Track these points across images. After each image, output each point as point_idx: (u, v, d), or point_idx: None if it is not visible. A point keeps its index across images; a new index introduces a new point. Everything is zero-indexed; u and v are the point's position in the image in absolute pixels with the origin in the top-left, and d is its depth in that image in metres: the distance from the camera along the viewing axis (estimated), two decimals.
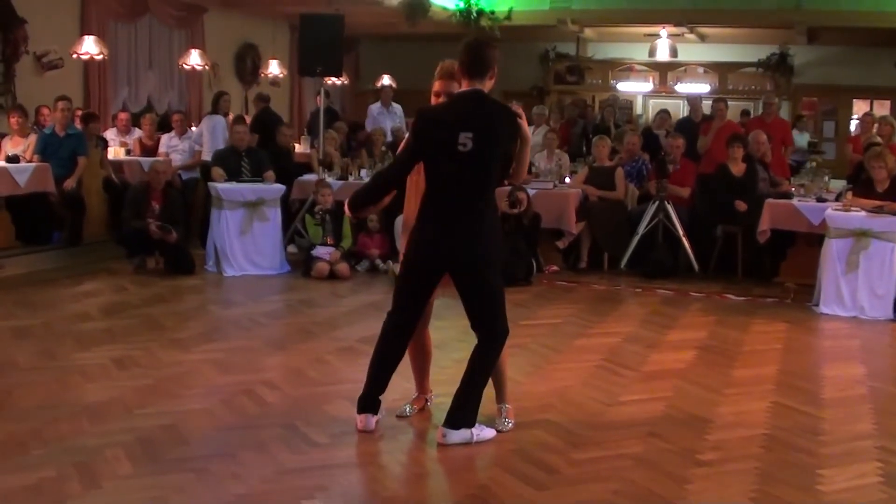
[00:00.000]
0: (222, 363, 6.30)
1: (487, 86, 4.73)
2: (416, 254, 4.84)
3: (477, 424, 4.88)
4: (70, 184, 10.30)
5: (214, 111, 12.57)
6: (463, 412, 4.81)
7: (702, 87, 17.64)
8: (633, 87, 19.06)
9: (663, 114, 14.15)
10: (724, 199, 9.80)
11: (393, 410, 5.24)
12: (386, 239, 10.06)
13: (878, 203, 8.53)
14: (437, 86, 5.02)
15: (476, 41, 4.81)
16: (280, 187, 10.08)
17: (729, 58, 18.30)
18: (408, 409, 5.28)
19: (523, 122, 4.79)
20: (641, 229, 9.97)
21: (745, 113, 15.90)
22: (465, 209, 4.70)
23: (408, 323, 4.93)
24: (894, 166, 8.74)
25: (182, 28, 15.20)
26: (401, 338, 4.97)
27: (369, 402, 4.99)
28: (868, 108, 12.03)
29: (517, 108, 4.84)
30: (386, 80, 17.59)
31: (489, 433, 4.91)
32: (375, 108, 14.86)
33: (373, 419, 4.99)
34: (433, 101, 5.02)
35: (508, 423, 5.09)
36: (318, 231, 9.74)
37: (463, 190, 4.69)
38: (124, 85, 14.25)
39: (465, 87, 4.74)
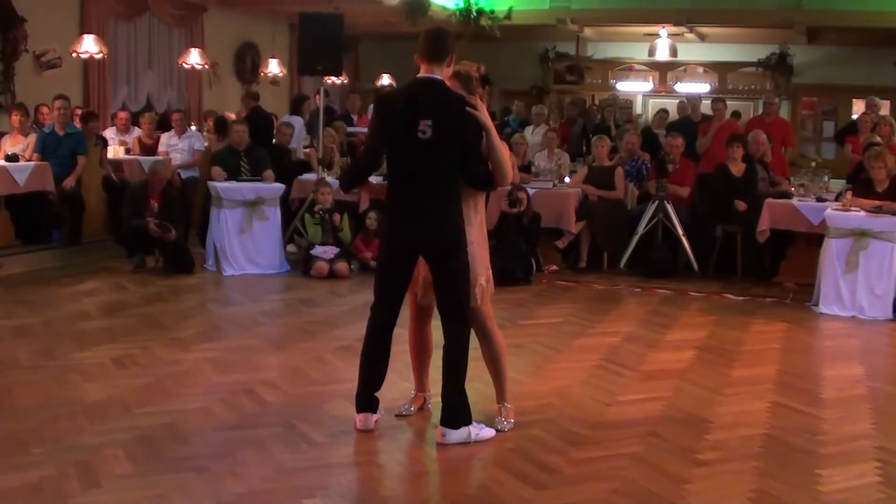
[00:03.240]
0: (221, 362, 6.30)
1: (445, 73, 4.81)
2: (386, 241, 4.93)
3: (476, 423, 4.88)
4: (70, 182, 10.30)
5: (295, 112, 13.18)
6: (455, 409, 4.82)
7: (701, 87, 17.63)
8: (633, 87, 19.06)
9: (663, 113, 14.15)
10: (723, 198, 9.80)
11: (392, 409, 5.25)
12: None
13: (877, 203, 8.53)
14: (450, 85, 5.02)
15: (436, 28, 4.96)
16: (279, 186, 10.08)
17: (729, 57, 18.30)
18: (407, 408, 5.28)
19: (481, 114, 4.74)
20: (641, 229, 9.96)
21: (735, 114, 15.86)
22: (429, 196, 4.74)
23: (389, 315, 4.94)
24: (894, 166, 8.75)
25: (181, 27, 15.20)
26: (384, 331, 4.96)
27: (365, 400, 4.99)
28: (867, 107, 12.09)
29: (476, 99, 4.81)
30: (385, 79, 17.59)
31: (488, 433, 4.91)
32: (446, 76, 14.79)
33: (372, 418, 4.99)
34: None
35: (509, 422, 5.09)
36: (318, 230, 9.73)
37: (425, 177, 4.73)
38: (124, 84, 14.26)
39: (423, 72, 4.79)
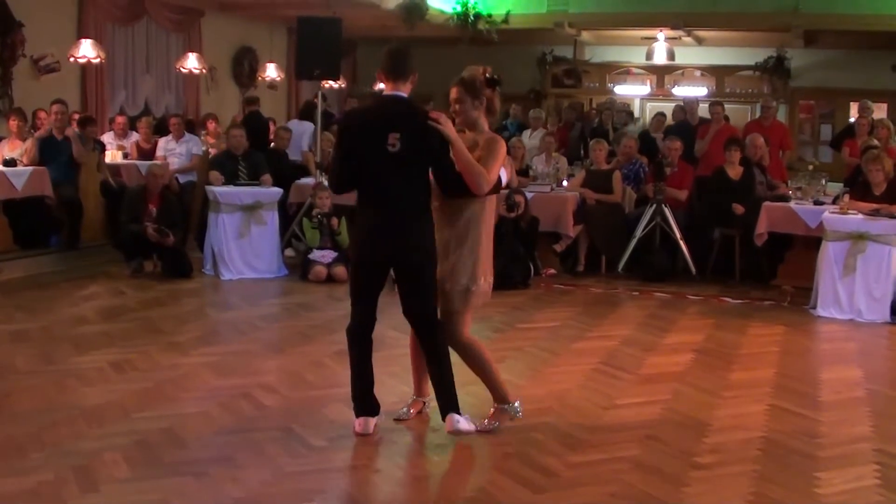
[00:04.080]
0: (220, 366, 6.30)
1: (408, 89, 4.91)
2: (359, 251, 4.96)
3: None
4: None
5: (301, 117, 13.36)
6: (452, 396, 4.91)
7: (699, 91, 17.64)
8: (631, 91, 19.06)
9: (660, 116, 14.16)
10: (721, 202, 9.81)
11: (391, 413, 5.25)
12: None
13: (875, 206, 8.54)
14: (453, 93, 5.04)
15: (398, 47, 5.02)
16: (277, 191, 10.08)
17: (726, 61, 18.29)
18: (405, 412, 5.28)
19: (444, 127, 4.74)
20: (639, 232, 9.97)
21: (724, 118, 15.88)
22: (400, 208, 4.78)
23: (365, 318, 4.98)
24: (891, 169, 8.77)
25: (179, 31, 15.20)
26: (365, 333, 5.00)
27: (363, 403, 5.01)
28: (860, 111, 12.17)
29: (437, 113, 4.85)
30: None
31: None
32: (408, 92, 14.80)
33: (372, 421, 4.99)
34: (451, 106, 5.06)
35: (493, 424, 5.12)
36: (316, 234, 9.73)
37: (396, 189, 4.77)
38: (121, 88, 14.25)
39: (388, 90, 4.89)
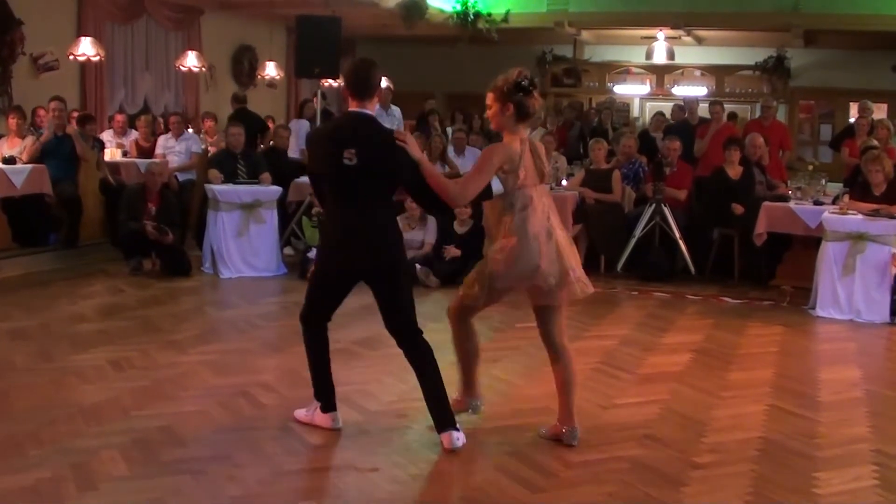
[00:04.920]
0: (218, 365, 6.30)
1: (374, 105, 4.94)
2: (326, 263, 4.98)
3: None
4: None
5: (300, 116, 13.48)
6: (450, 413, 4.87)
7: (699, 90, 17.65)
8: (630, 90, 19.08)
9: (659, 116, 14.16)
10: (720, 202, 9.81)
11: (390, 413, 5.25)
12: None
13: (874, 206, 8.54)
14: (489, 98, 5.01)
15: (361, 64, 5.01)
16: (276, 189, 10.07)
17: (726, 61, 18.30)
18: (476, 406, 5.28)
19: (410, 147, 4.77)
20: (638, 232, 9.97)
21: (731, 116, 15.90)
22: (362, 219, 4.80)
23: (321, 323, 5.10)
24: (891, 170, 8.77)
25: (179, 30, 15.20)
26: (321, 333, 5.12)
27: (332, 398, 5.10)
28: (860, 111, 12.18)
29: (401, 133, 4.92)
30: (383, 82, 17.55)
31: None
32: (375, 109, 14.84)
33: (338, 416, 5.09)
34: (488, 112, 5.03)
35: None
36: (315, 233, 9.73)
37: (356, 201, 4.78)
38: (121, 86, 14.27)
39: (353, 107, 4.88)
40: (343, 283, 4.97)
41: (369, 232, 4.81)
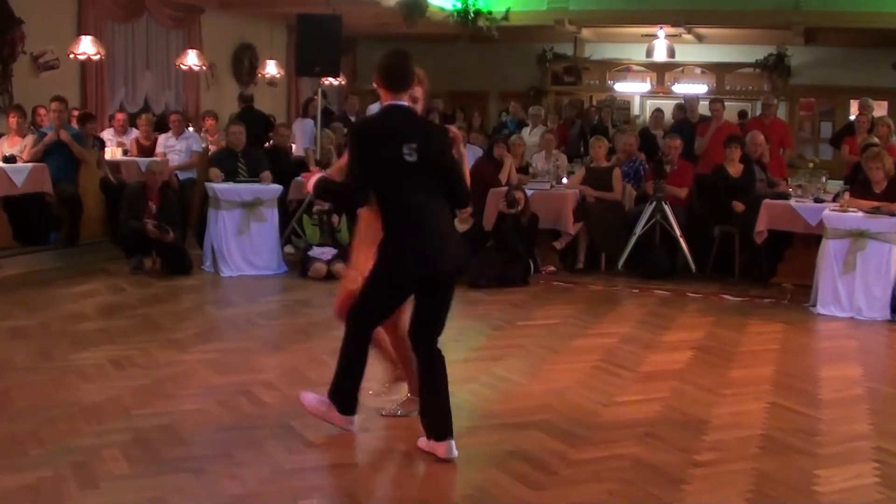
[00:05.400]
0: (219, 363, 6.30)
1: (407, 98, 4.73)
2: (399, 264, 4.62)
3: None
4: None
5: (304, 115, 13.55)
6: (450, 422, 4.75)
7: (699, 88, 17.63)
8: (631, 88, 19.06)
9: (658, 113, 14.16)
10: (721, 199, 9.80)
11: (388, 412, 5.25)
12: None
13: (875, 204, 8.54)
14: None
15: (397, 54, 4.76)
16: (277, 187, 10.07)
17: (726, 58, 18.29)
18: (399, 411, 5.24)
19: (457, 143, 4.78)
20: (638, 230, 9.96)
21: (742, 114, 15.90)
22: (437, 216, 4.64)
23: (371, 330, 4.85)
24: (891, 167, 8.76)
25: (179, 28, 15.20)
26: (368, 346, 4.85)
27: (356, 402, 4.90)
28: (860, 108, 12.16)
29: (452, 129, 4.88)
30: None
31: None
32: (375, 108, 14.81)
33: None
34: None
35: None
36: (316, 231, 9.73)
37: (425, 198, 4.62)
38: (121, 85, 14.27)
39: (387, 100, 4.68)
40: (416, 284, 4.68)
41: (446, 230, 4.68)
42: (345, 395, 4.83)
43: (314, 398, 4.93)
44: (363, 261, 4.88)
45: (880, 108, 15.49)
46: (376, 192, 4.64)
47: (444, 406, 4.69)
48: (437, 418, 4.69)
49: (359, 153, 4.62)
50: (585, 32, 17.79)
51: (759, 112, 12.96)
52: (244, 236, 9.70)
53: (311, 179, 4.61)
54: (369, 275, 4.73)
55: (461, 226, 9.66)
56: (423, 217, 4.60)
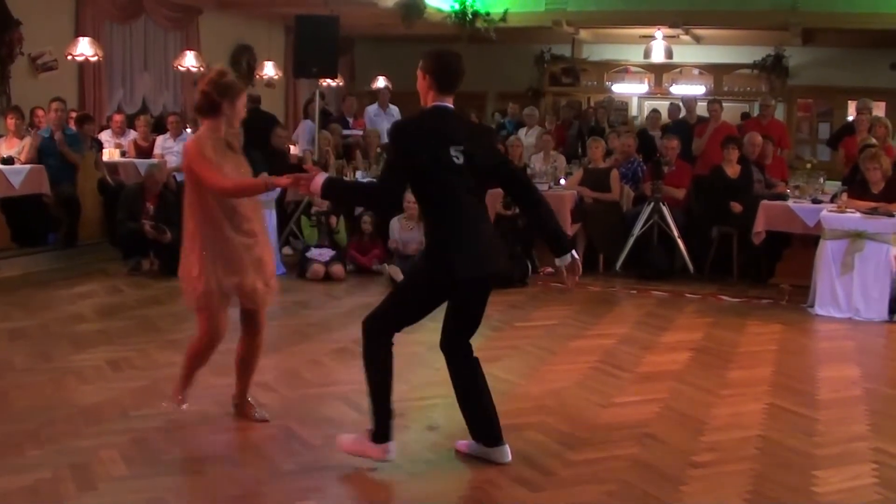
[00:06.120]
0: (217, 365, 6.24)
1: (451, 101, 4.57)
2: (441, 268, 4.41)
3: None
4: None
5: (305, 116, 13.63)
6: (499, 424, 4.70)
7: (697, 89, 17.63)
8: (629, 89, 19.06)
9: (655, 114, 14.15)
10: (719, 200, 9.81)
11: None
12: (380, 242, 10.01)
13: (872, 204, 8.55)
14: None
15: (451, 54, 4.63)
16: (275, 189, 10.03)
17: (724, 59, 18.28)
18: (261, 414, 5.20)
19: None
20: (636, 231, 9.97)
21: (744, 116, 15.90)
22: (482, 220, 4.56)
23: (392, 337, 4.55)
24: (889, 168, 8.77)
25: (177, 29, 15.19)
26: (391, 353, 4.54)
27: (384, 428, 4.56)
28: (859, 109, 12.15)
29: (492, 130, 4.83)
30: (381, 81, 17.59)
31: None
32: (373, 109, 14.83)
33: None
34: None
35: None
36: (314, 233, 9.72)
37: (474, 201, 4.51)
38: (119, 86, 14.25)
39: (433, 100, 4.50)
40: (464, 290, 4.49)
41: (491, 233, 4.61)
42: (379, 418, 4.50)
43: (349, 438, 4.66)
44: (191, 266, 4.87)
45: (878, 109, 15.50)
46: (421, 196, 4.50)
47: (493, 410, 4.65)
48: (485, 425, 4.65)
49: (397, 153, 4.48)
50: (583, 33, 17.80)
51: (756, 113, 12.96)
52: None
53: (317, 179, 4.50)
54: (412, 279, 4.69)
55: None
56: (474, 221, 4.47)
